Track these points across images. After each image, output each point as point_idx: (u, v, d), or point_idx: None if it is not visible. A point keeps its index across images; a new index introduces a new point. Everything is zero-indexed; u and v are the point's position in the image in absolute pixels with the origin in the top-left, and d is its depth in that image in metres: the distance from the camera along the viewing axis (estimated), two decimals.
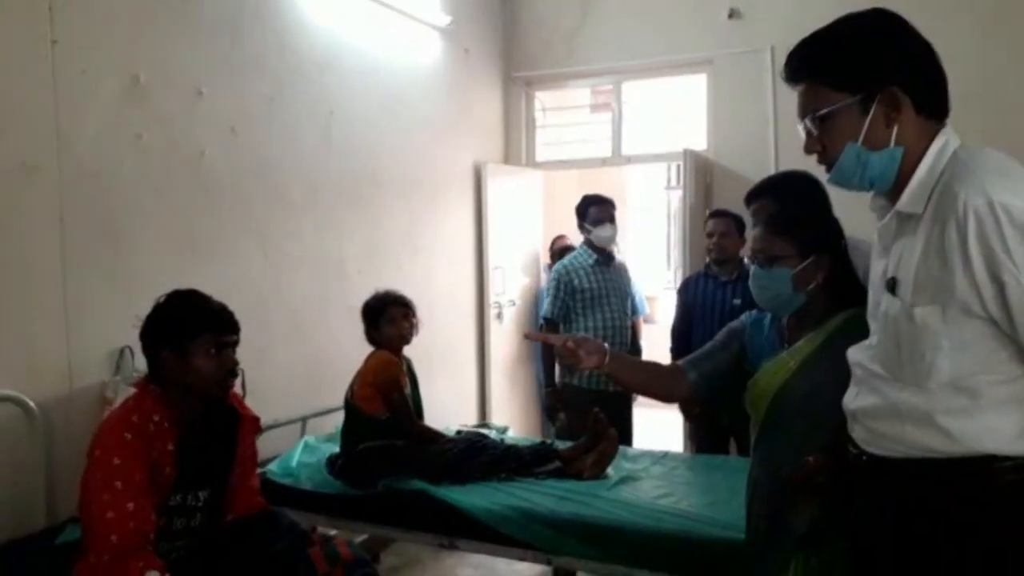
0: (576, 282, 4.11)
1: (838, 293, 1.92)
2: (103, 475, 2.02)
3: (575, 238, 4.83)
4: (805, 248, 1.92)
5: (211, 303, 2.25)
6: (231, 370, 2.24)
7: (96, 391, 2.84)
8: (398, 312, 3.29)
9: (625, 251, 6.85)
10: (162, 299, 2.24)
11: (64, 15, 2.74)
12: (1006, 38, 4.34)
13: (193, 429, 2.24)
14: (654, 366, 2.32)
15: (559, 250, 5.84)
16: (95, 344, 2.85)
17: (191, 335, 2.16)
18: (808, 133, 1.53)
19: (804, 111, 1.52)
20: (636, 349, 4.33)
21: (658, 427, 6.72)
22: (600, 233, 4.11)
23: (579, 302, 4.10)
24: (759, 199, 2.78)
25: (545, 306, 4.27)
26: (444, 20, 4.82)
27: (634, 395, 4.26)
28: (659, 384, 2.22)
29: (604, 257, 4.14)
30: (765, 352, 2.09)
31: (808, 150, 1.55)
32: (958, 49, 3.98)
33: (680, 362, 2.24)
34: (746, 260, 2.10)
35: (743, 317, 2.24)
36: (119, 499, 2.00)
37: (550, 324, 4.22)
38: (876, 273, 1.55)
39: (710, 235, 3.75)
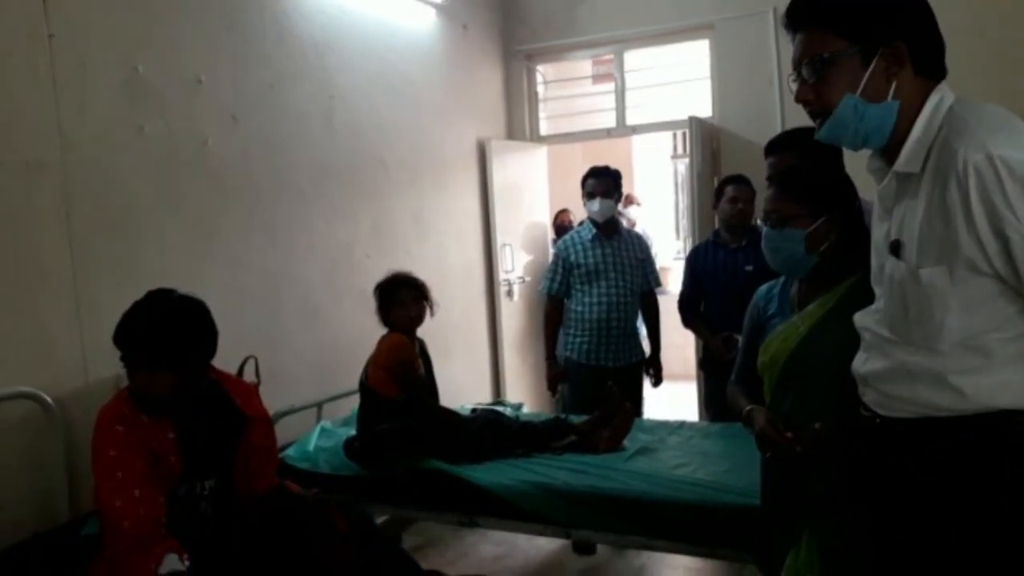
0: (573, 257, 4.11)
1: (850, 255, 1.91)
2: (103, 467, 2.07)
3: (581, 211, 4.81)
4: (817, 209, 1.90)
5: (131, 319, 2.20)
6: (142, 391, 2.20)
7: (111, 384, 2.85)
8: (407, 295, 3.29)
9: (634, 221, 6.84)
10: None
11: (59, 8, 2.73)
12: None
13: (191, 421, 2.25)
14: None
15: (559, 225, 5.84)
16: (108, 337, 2.83)
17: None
18: (803, 81, 1.51)
19: (802, 56, 1.50)
20: (654, 322, 4.31)
21: (671, 398, 6.74)
22: (590, 207, 4.10)
23: (576, 277, 4.10)
24: (778, 152, 2.74)
25: (543, 283, 4.26)
26: None
27: (645, 370, 4.26)
28: None
29: (605, 231, 4.12)
30: (777, 318, 2.08)
31: (799, 98, 1.52)
32: (973, 8, 3.97)
33: (733, 382, 2.22)
34: (759, 222, 2.07)
35: (754, 297, 2.22)
36: (123, 488, 2.04)
37: (551, 300, 4.22)
38: (878, 236, 1.54)
39: (734, 200, 3.69)
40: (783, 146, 2.73)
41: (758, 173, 2.98)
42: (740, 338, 3.40)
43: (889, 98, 1.43)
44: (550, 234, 5.88)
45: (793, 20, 1.53)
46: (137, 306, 2.22)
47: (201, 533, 2.25)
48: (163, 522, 2.09)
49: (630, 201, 6.83)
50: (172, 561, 1.98)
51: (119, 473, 2.04)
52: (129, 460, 2.06)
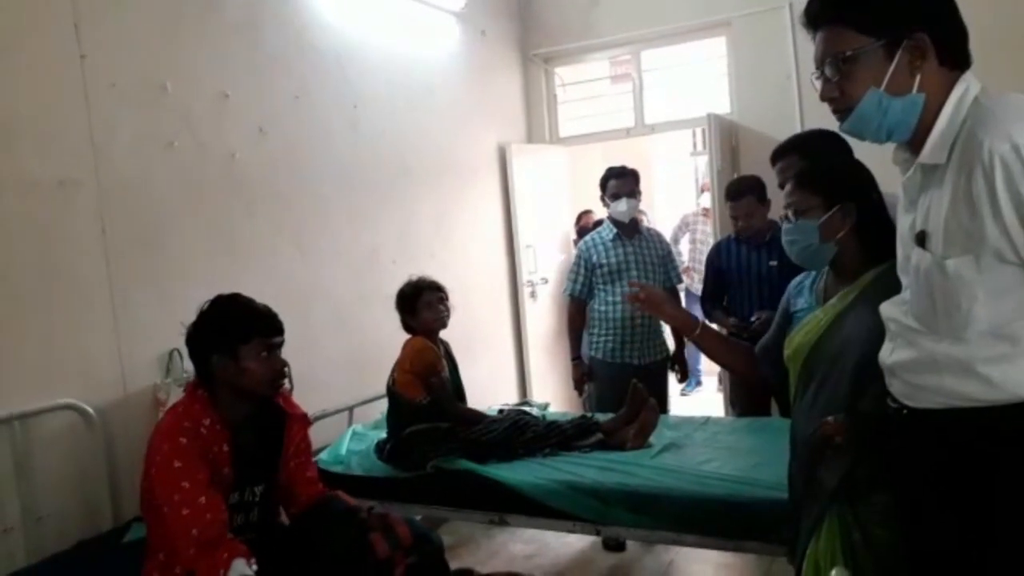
0: (595, 258, 4.13)
1: (872, 247, 1.92)
2: (168, 478, 2.09)
3: (603, 212, 4.83)
4: (830, 198, 1.93)
5: (257, 307, 2.29)
6: (280, 371, 2.30)
7: (149, 394, 2.94)
8: (433, 297, 3.33)
9: (655, 220, 6.87)
10: (206, 305, 2.29)
11: (90, 30, 2.81)
12: None
13: (244, 429, 2.30)
14: (736, 346, 2.38)
15: (582, 227, 5.85)
16: (145, 348, 2.94)
17: (241, 339, 2.21)
18: (826, 79, 1.51)
19: (824, 55, 1.50)
20: None
21: (696, 394, 6.76)
22: (616, 208, 4.11)
23: (599, 277, 4.12)
24: (784, 157, 2.81)
25: (567, 283, 4.29)
26: (459, 3, 4.83)
27: (670, 367, 4.28)
28: (741, 362, 2.34)
29: (625, 230, 4.14)
30: (803, 310, 2.11)
31: (824, 97, 1.53)
32: None
33: (756, 349, 2.29)
34: (780, 218, 2.12)
35: (788, 287, 2.25)
36: (190, 496, 2.07)
37: (575, 302, 4.24)
38: (904, 227, 1.54)
39: (734, 218, 3.71)
40: (788, 150, 2.78)
41: None
42: (754, 323, 3.45)
43: (914, 91, 1.43)
44: (572, 235, 5.91)
45: (812, 19, 1.53)
46: (229, 300, 2.30)
47: (249, 538, 2.28)
48: (228, 525, 2.13)
49: (705, 188, 6.87)
50: (240, 566, 2.00)
51: (185, 483, 2.07)
52: (193, 470, 2.09)
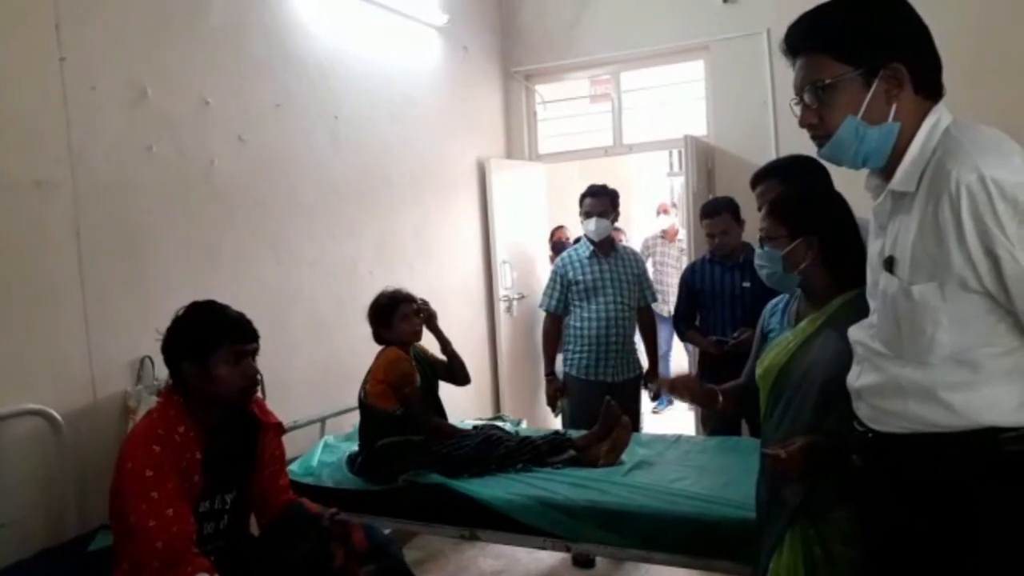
0: (571, 275, 4.15)
1: (842, 274, 1.95)
2: (138, 487, 2.06)
3: (577, 228, 4.86)
4: (794, 230, 1.98)
5: (229, 313, 2.27)
6: (252, 378, 2.28)
7: (119, 401, 2.90)
8: (409, 308, 3.34)
9: (632, 239, 6.92)
10: (181, 311, 2.27)
11: (71, 32, 2.79)
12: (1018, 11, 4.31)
13: (217, 436, 2.28)
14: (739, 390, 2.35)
15: (555, 243, 5.90)
16: (116, 355, 2.91)
17: (211, 346, 2.19)
18: (805, 106, 1.53)
19: (803, 83, 1.52)
20: (651, 337, 4.37)
21: (667, 412, 6.80)
22: (587, 226, 4.15)
23: (575, 294, 4.15)
24: (764, 181, 2.85)
25: (543, 299, 4.31)
26: (442, 19, 4.86)
27: (645, 384, 4.30)
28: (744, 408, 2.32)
29: (602, 248, 4.17)
30: (775, 331, 2.15)
31: (803, 123, 1.55)
32: (968, 24, 4.02)
33: (744, 378, 2.31)
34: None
35: (764, 310, 2.29)
36: (157, 507, 2.04)
37: (550, 317, 4.27)
38: (873, 252, 1.57)
39: (711, 236, 3.76)
40: (767, 175, 2.83)
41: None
42: (731, 342, 3.50)
43: (890, 119, 1.46)
44: (547, 251, 5.93)
45: (792, 46, 1.56)
46: (202, 307, 2.27)
47: (217, 547, 2.27)
48: (194, 539, 2.10)
49: (662, 210, 6.98)
50: None
51: (154, 493, 2.04)
52: (163, 480, 2.07)
